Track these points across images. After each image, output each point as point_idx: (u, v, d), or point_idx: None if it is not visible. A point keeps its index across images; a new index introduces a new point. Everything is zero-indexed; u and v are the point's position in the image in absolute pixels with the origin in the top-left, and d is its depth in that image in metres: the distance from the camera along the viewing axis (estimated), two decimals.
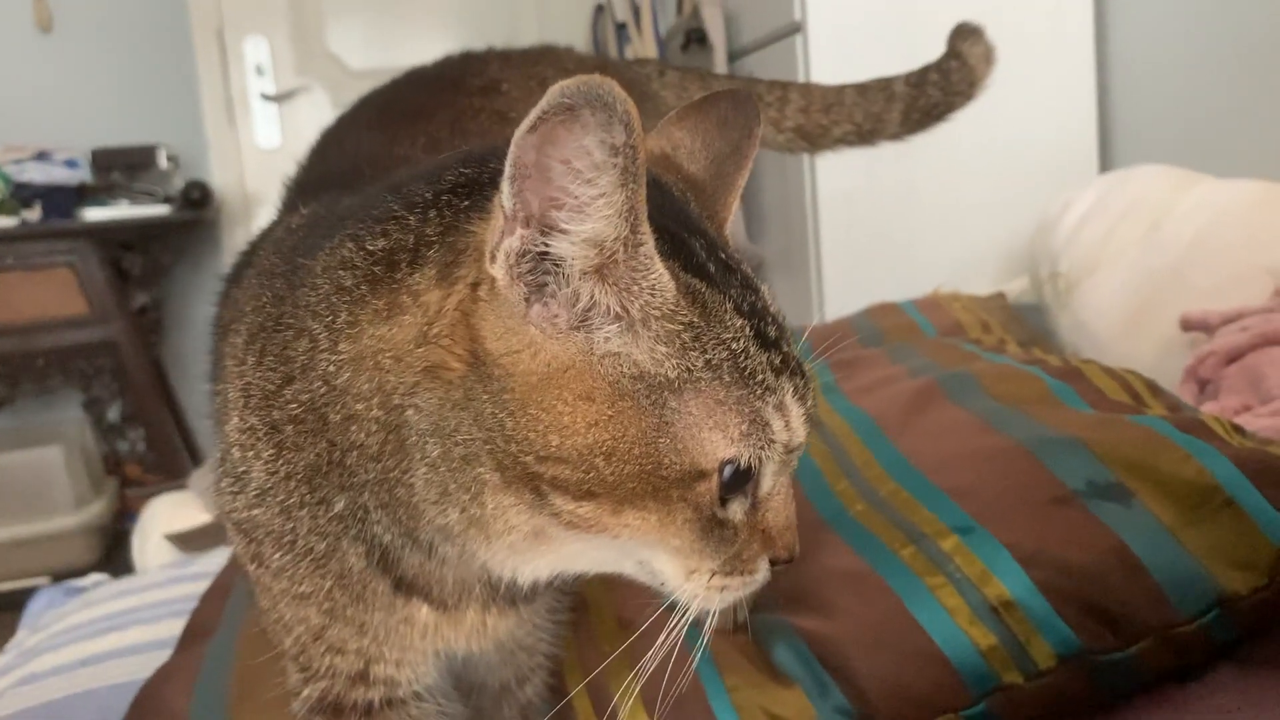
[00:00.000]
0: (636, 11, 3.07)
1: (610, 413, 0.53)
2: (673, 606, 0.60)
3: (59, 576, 2.71)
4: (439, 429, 0.55)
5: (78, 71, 3.69)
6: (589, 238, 0.51)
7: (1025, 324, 1.61)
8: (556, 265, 0.53)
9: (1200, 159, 1.78)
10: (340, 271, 0.58)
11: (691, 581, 0.58)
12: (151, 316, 3.64)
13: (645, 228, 0.52)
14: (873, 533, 0.85)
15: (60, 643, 1.19)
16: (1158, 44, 2.10)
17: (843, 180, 2.16)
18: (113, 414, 3.55)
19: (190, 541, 1.92)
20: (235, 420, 0.64)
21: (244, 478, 0.64)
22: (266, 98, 3.80)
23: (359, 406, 0.57)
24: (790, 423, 0.57)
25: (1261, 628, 0.74)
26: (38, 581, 1.61)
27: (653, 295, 0.53)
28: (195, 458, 3.48)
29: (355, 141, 0.90)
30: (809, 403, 0.59)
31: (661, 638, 0.61)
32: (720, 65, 2.48)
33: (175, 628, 1.13)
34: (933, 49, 1.23)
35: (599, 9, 3.43)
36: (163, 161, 3.57)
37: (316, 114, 3.77)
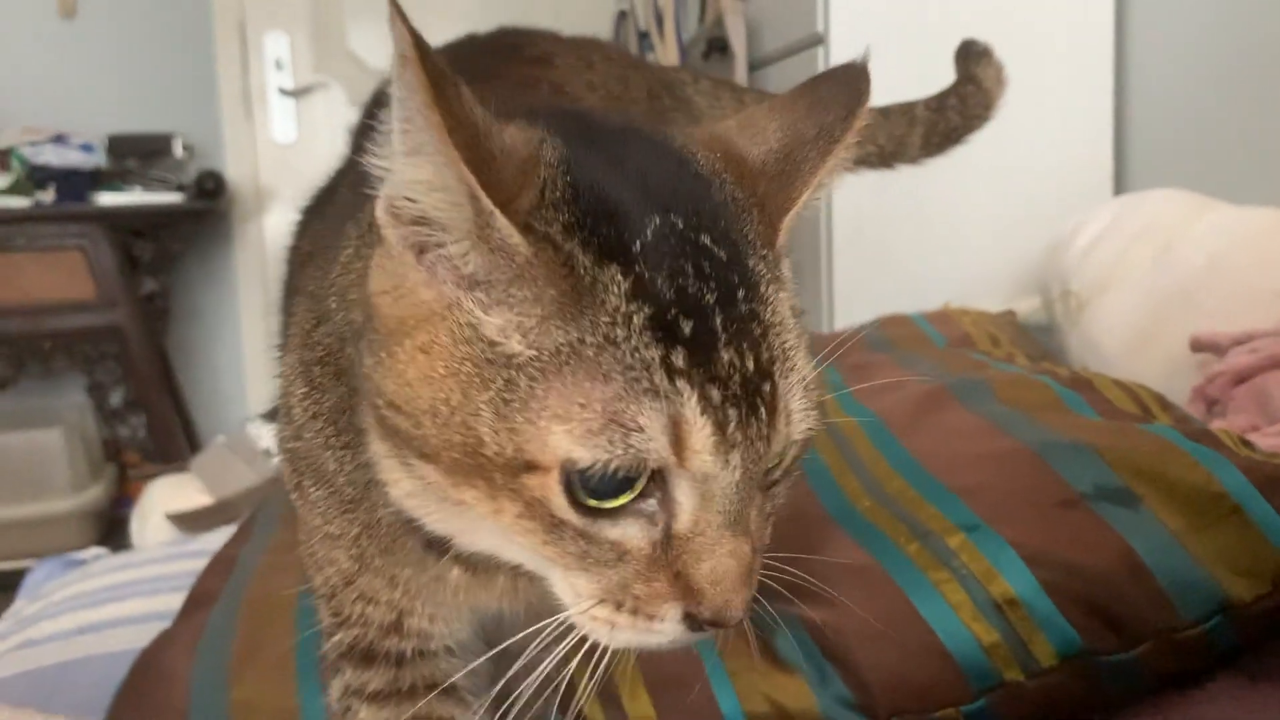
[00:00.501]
0: (659, 19, 3.09)
1: (442, 372, 0.50)
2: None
3: None
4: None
5: (98, 58, 3.71)
6: (420, 179, 0.50)
7: (1034, 340, 1.62)
8: (411, 203, 0.51)
9: (1215, 185, 1.78)
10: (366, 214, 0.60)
11: (578, 603, 0.53)
12: (159, 304, 3.64)
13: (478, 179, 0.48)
14: (879, 528, 0.84)
15: (59, 611, 1.19)
16: (1177, 68, 2.11)
17: (854, 199, 2.15)
18: (115, 400, 3.54)
19: (191, 522, 1.92)
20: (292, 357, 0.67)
21: (290, 411, 0.67)
22: (284, 92, 3.81)
23: (350, 350, 0.59)
24: (692, 442, 0.47)
25: (1263, 635, 0.74)
26: (31, 563, 1.61)
27: (495, 255, 0.49)
28: (195, 447, 3.48)
29: None
30: (752, 431, 0.49)
31: (522, 659, 0.57)
32: (741, 74, 2.49)
33: (174, 601, 1.13)
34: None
35: (621, 15, 3.45)
36: (178, 150, 3.58)
37: (333, 111, 3.78)
